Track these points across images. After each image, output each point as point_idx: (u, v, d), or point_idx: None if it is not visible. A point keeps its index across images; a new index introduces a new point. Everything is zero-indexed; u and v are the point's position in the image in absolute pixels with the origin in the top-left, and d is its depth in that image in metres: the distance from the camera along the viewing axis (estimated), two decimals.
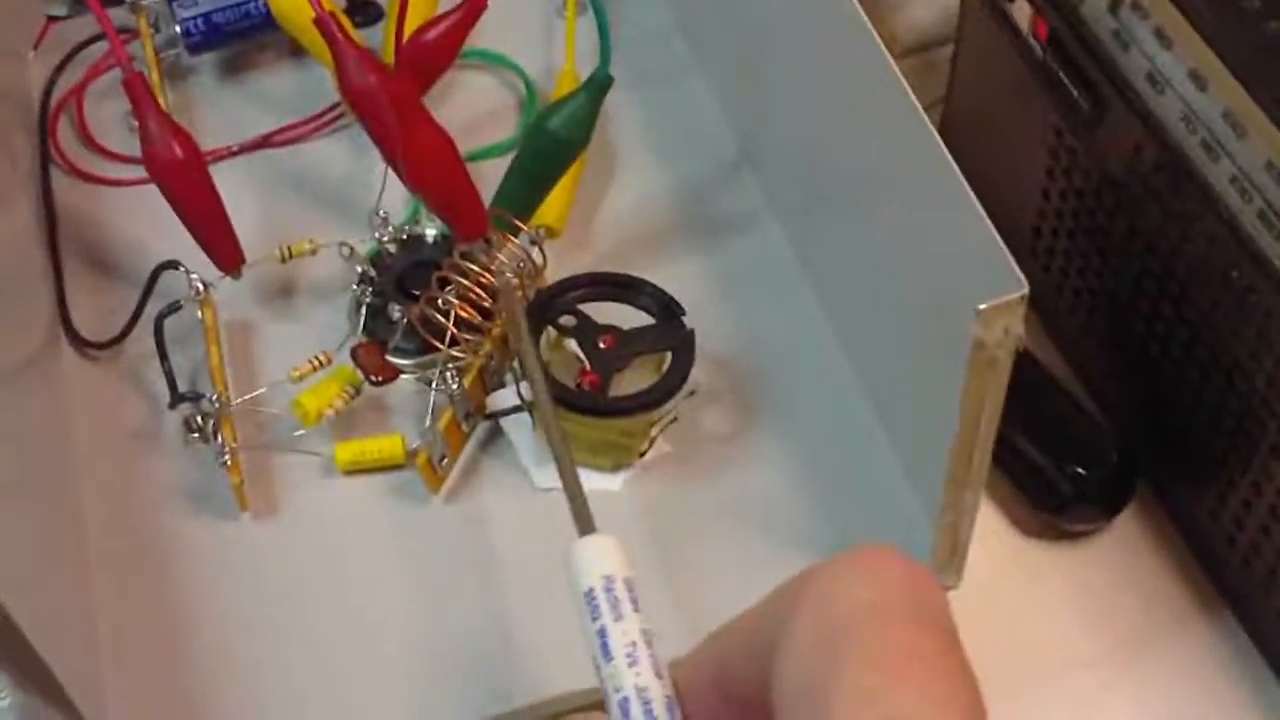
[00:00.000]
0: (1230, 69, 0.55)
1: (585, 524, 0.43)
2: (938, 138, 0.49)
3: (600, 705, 0.37)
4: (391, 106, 0.56)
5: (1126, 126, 0.60)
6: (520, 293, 0.59)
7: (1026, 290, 0.45)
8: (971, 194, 0.47)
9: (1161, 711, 0.63)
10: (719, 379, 0.60)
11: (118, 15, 0.70)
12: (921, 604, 0.34)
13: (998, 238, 0.46)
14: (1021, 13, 0.65)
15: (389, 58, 0.66)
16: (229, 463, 0.58)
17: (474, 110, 0.70)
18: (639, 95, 0.69)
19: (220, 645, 0.55)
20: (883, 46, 0.52)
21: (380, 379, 0.59)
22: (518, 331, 0.54)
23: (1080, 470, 0.66)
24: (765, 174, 0.66)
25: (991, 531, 0.67)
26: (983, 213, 0.47)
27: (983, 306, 0.45)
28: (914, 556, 0.53)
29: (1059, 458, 0.66)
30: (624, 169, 0.68)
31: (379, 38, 0.71)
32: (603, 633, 0.38)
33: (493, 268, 0.59)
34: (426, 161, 0.57)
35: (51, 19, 0.73)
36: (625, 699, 0.36)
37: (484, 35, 0.67)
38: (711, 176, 0.67)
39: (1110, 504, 0.66)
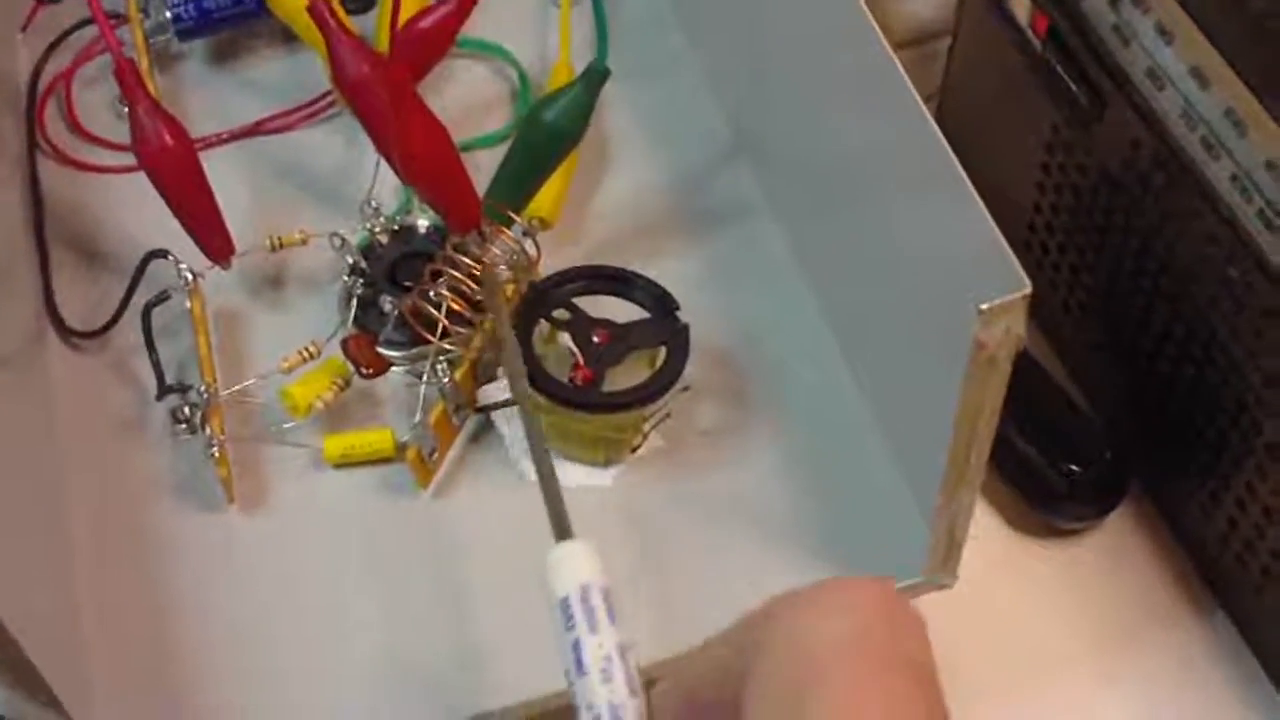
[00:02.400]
0: (1232, 66, 0.54)
1: (562, 529, 0.42)
2: (939, 133, 0.48)
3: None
4: (386, 96, 0.55)
5: (1125, 122, 0.60)
6: (512, 286, 0.58)
7: (1029, 290, 0.44)
8: (974, 191, 0.47)
9: (1153, 709, 0.63)
10: (713, 374, 0.60)
11: (108, 0, 0.69)
12: (896, 639, 0.34)
13: (1000, 236, 0.46)
14: (1020, 6, 0.65)
15: (383, 45, 0.66)
16: (217, 454, 0.57)
17: (467, 100, 0.69)
18: (634, 85, 0.68)
19: (207, 638, 0.55)
20: (883, 37, 0.51)
21: (371, 371, 0.58)
22: (503, 331, 0.54)
23: (1073, 467, 0.65)
24: (762, 166, 0.65)
25: (984, 528, 0.67)
26: (985, 210, 0.46)
27: (984, 306, 0.45)
28: (909, 555, 0.53)
29: (1052, 454, 0.66)
30: (619, 159, 0.67)
31: (372, 24, 0.70)
32: (577, 645, 0.37)
33: (485, 260, 0.58)
34: (421, 152, 0.56)
35: (40, 1, 0.72)
36: (598, 716, 0.35)
37: (478, 24, 0.67)
38: (707, 168, 0.66)
39: (1103, 501, 0.66)
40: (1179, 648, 0.64)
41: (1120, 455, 0.66)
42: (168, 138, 0.58)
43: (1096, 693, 0.63)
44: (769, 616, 0.35)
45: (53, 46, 0.71)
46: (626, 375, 0.57)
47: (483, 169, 0.62)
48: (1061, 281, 0.68)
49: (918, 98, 0.50)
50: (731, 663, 0.35)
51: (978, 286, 0.45)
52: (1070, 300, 0.68)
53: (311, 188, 0.66)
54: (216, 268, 0.60)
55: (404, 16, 0.61)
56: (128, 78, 0.57)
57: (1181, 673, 0.64)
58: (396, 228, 0.62)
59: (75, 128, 0.69)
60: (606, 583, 0.40)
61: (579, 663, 0.37)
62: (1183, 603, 0.65)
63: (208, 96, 0.70)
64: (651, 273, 0.59)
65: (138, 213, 0.64)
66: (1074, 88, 0.62)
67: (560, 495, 0.43)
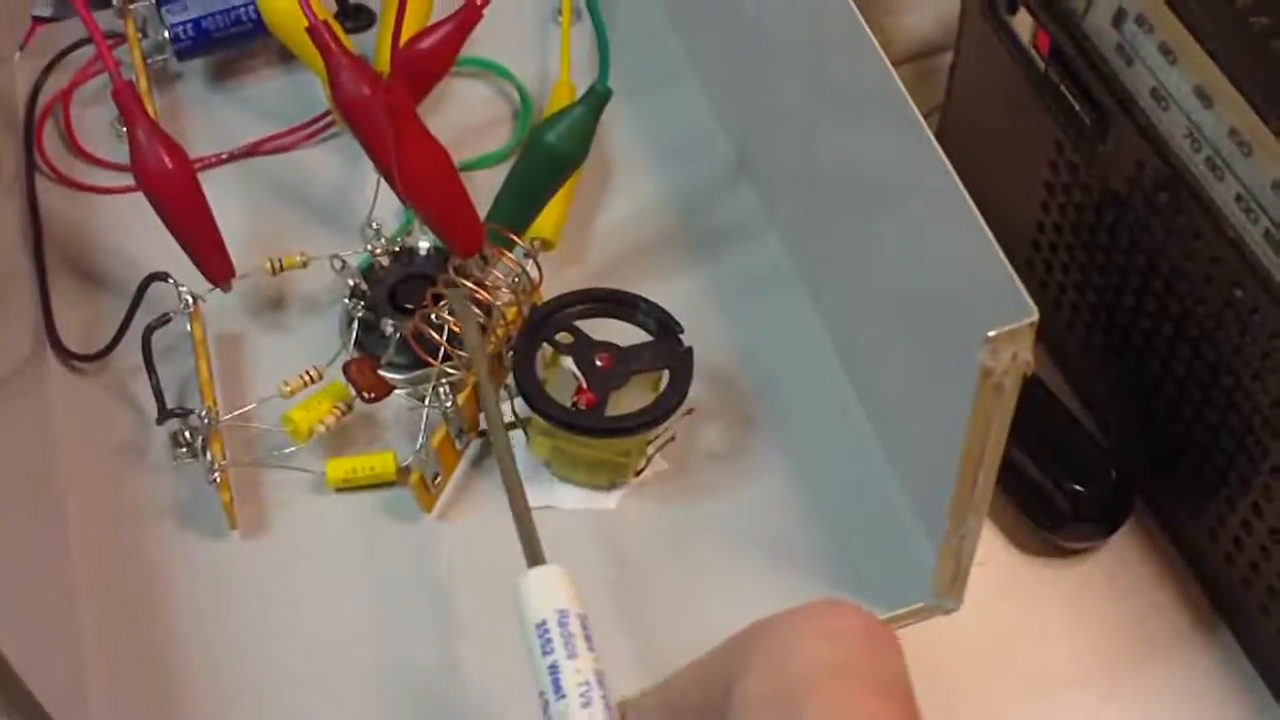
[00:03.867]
0: (1237, 86, 0.54)
1: (535, 554, 0.42)
2: (944, 157, 0.48)
3: None
4: (386, 119, 0.55)
5: (1129, 142, 0.60)
6: (514, 309, 0.58)
7: (1036, 317, 0.44)
8: (980, 217, 0.47)
9: None
10: (717, 396, 0.60)
11: (105, 19, 0.69)
12: (880, 666, 0.34)
13: (1006, 263, 0.45)
14: (1023, 24, 0.65)
15: (382, 65, 0.66)
16: (218, 480, 0.57)
17: (468, 119, 0.69)
18: (635, 103, 0.68)
19: (208, 664, 0.55)
20: (884, 55, 0.51)
21: (372, 396, 0.58)
22: (478, 363, 0.53)
23: (1078, 487, 0.65)
24: (764, 185, 0.65)
25: (989, 548, 0.67)
26: (991, 237, 0.46)
27: (991, 334, 0.44)
28: (914, 578, 0.53)
29: (1057, 475, 0.66)
30: (620, 179, 0.67)
31: (372, 43, 0.70)
32: (554, 668, 0.37)
33: (488, 283, 0.58)
34: (422, 176, 0.56)
35: (38, 20, 0.72)
36: None
37: (478, 43, 0.66)
38: (709, 187, 0.66)
39: (1108, 522, 0.66)
40: (1184, 668, 0.64)
41: (1125, 475, 0.66)
42: (167, 160, 0.57)
43: (1101, 713, 0.63)
44: (755, 636, 0.35)
45: (51, 66, 0.71)
46: (630, 398, 0.57)
47: (484, 189, 0.62)
48: (1066, 301, 0.68)
49: (921, 120, 0.49)
50: (715, 678, 0.35)
51: (984, 313, 0.45)
52: (1075, 320, 0.68)
53: (311, 209, 0.66)
54: (217, 290, 0.60)
55: (405, 36, 0.61)
56: (126, 99, 0.57)
57: (1187, 693, 0.63)
58: (397, 249, 0.62)
59: (74, 148, 0.69)
60: (584, 610, 0.40)
61: (557, 686, 0.37)
62: (1188, 623, 0.65)
63: (206, 116, 0.70)
64: (654, 293, 0.59)
65: (137, 234, 0.64)
66: (1077, 107, 0.62)
67: (531, 520, 0.43)
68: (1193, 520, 0.64)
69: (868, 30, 0.52)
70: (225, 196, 0.65)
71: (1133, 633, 0.65)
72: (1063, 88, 0.63)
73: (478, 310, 0.57)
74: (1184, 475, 0.64)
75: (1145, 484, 0.67)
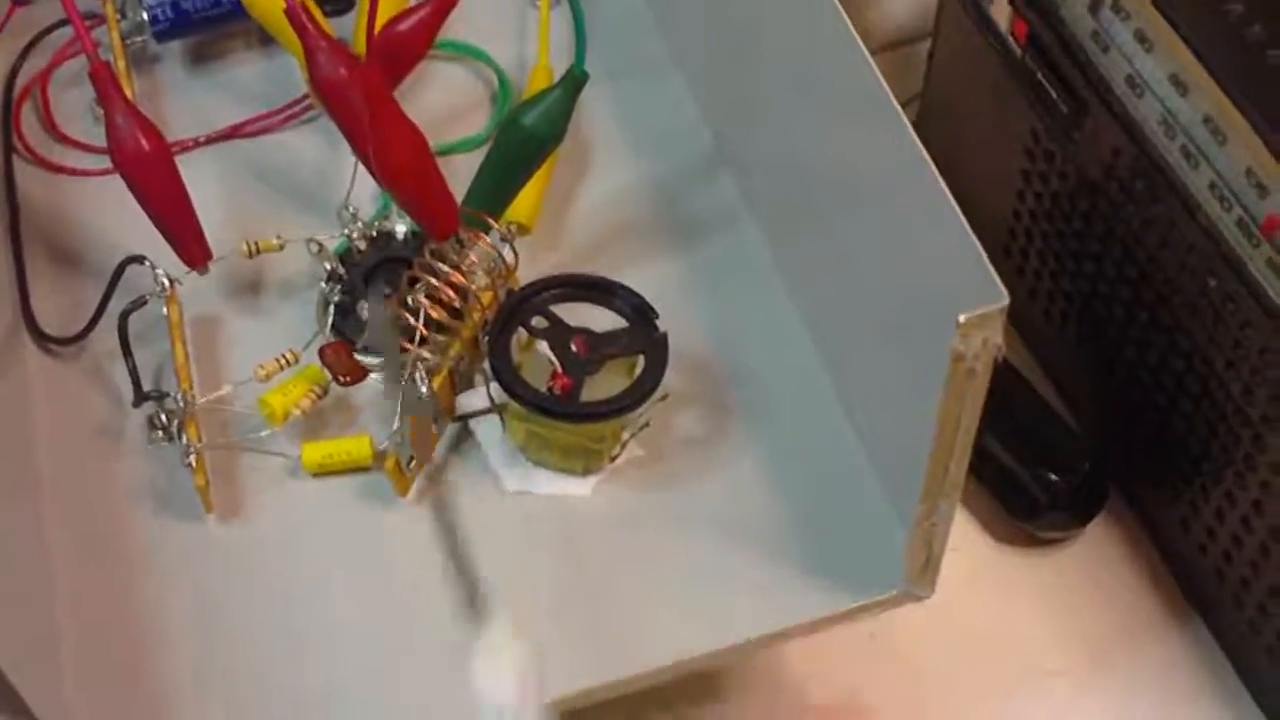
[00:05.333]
0: (1212, 74, 0.54)
1: (476, 604, 0.43)
2: (919, 143, 0.48)
3: None
4: (362, 101, 0.55)
5: (1105, 130, 0.60)
6: (490, 294, 0.58)
7: (1006, 302, 0.44)
8: (953, 202, 0.47)
9: (1132, 718, 0.63)
10: (692, 382, 0.59)
11: (84, 1, 0.69)
12: None
13: (979, 248, 0.45)
14: (1000, 12, 0.65)
15: (361, 48, 0.65)
16: (193, 463, 0.57)
17: (446, 103, 0.69)
18: (614, 89, 0.68)
19: (183, 647, 0.55)
20: (861, 43, 0.51)
21: (348, 379, 0.58)
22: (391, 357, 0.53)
23: (1053, 477, 0.66)
24: (742, 172, 0.65)
25: (964, 537, 0.67)
26: (964, 222, 0.46)
27: (962, 318, 0.44)
28: (888, 566, 0.53)
29: (1032, 464, 0.66)
30: (598, 164, 0.67)
31: (350, 26, 0.69)
32: None
33: (464, 267, 0.58)
34: (398, 160, 0.56)
35: (16, 2, 0.72)
36: None
37: (457, 26, 0.66)
38: (688, 173, 0.66)
39: (1082, 511, 0.66)
40: (1158, 657, 0.64)
41: (1099, 465, 0.66)
42: (144, 142, 0.57)
43: (1075, 701, 0.63)
44: None
45: (29, 48, 0.71)
46: (605, 383, 0.57)
47: (461, 172, 0.62)
48: (1042, 290, 0.68)
49: (897, 107, 0.49)
50: None
51: (956, 298, 0.45)
52: (1051, 308, 0.68)
53: (289, 192, 0.66)
54: (193, 273, 0.60)
55: (381, 19, 0.61)
56: (103, 81, 0.57)
57: (1160, 682, 0.64)
58: (374, 233, 0.62)
59: (52, 130, 0.69)
60: (542, 693, 0.40)
61: None
62: (1162, 612, 0.65)
63: (185, 98, 0.70)
64: (630, 279, 0.59)
65: (115, 216, 0.63)
66: (1054, 94, 0.62)
67: (474, 569, 0.44)
68: (1166, 511, 0.64)
69: (846, 19, 0.52)
70: (203, 179, 0.65)
71: (1107, 622, 0.65)
72: (1039, 75, 0.63)
73: (453, 294, 0.57)
74: (1158, 465, 0.64)
75: (1120, 474, 0.67)
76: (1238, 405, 0.57)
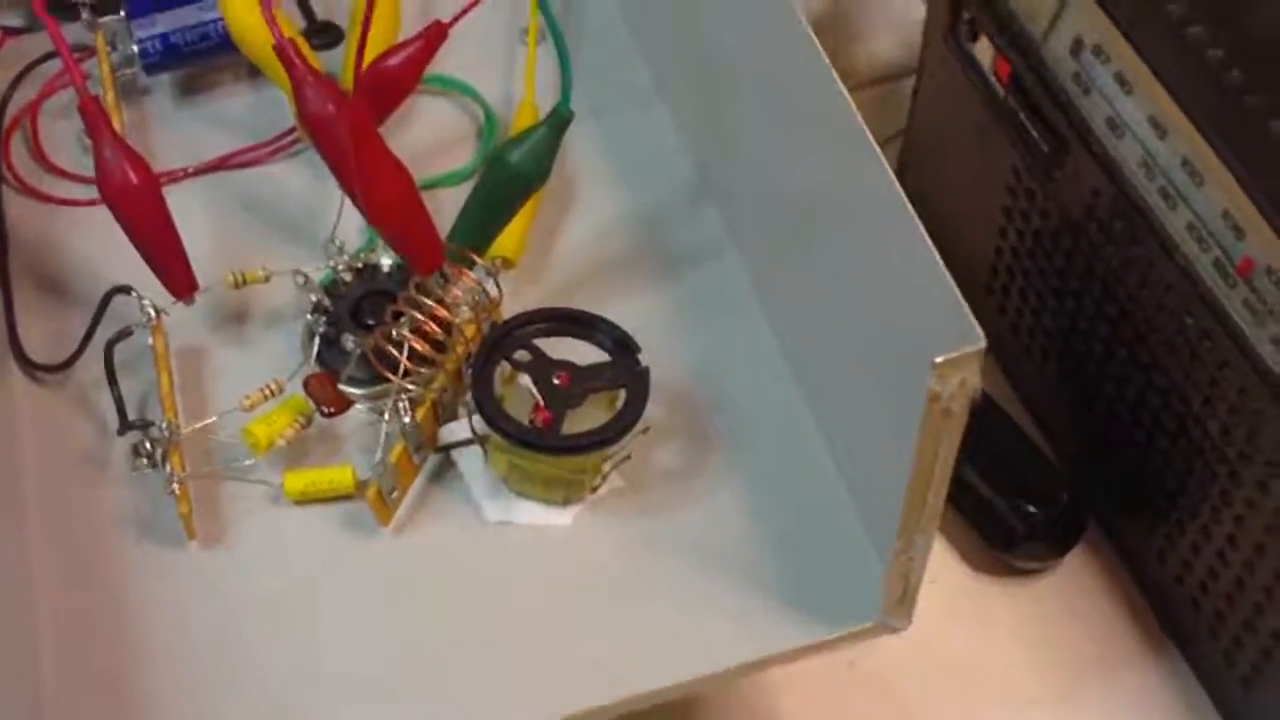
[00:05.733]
0: (1190, 117, 0.55)
1: None
2: (895, 180, 0.49)
3: None
4: (348, 137, 0.56)
5: (1085, 170, 0.61)
6: (474, 327, 0.59)
7: (984, 345, 0.45)
8: (929, 243, 0.47)
9: None
10: (673, 414, 0.60)
11: (74, 31, 0.69)
12: None
13: (956, 290, 0.46)
14: (984, 51, 0.66)
15: (349, 82, 0.66)
16: (177, 491, 0.57)
17: (432, 136, 0.69)
18: (599, 124, 0.68)
19: (164, 673, 0.55)
20: (838, 80, 0.51)
21: (332, 410, 0.58)
22: None
23: (1031, 508, 0.66)
24: (726, 206, 0.65)
25: (943, 568, 0.68)
26: (940, 263, 0.46)
27: (939, 360, 0.45)
28: (865, 598, 0.54)
29: (1010, 495, 0.66)
30: (583, 198, 0.67)
31: (339, 60, 0.70)
32: None
33: (448, 301, 0.58)
34: (383, 196, 0.56)
35: (8, 32, 0.72)
36: None
37: (445, 61, 0.67)
38: (672, 207, 0.67)
39: (1060, 543, 0.67)
40: (1134, 687, 0.65)
41: (1078, 497, 0.67)
42: (131, 174, 0.58)
43: None
44: None
45: (19, 78, 0.71)
46: (587, 416, 0.57)
47: (447, 206, 0.63)
48: (1023, 326, 0.69)
49: (875, 145, 0.50)
50: None
51: (933, 338, 0.45)
52: (1032, 344, 0.69)
53: (277, 224, 0.66)
54: (180, 304, 0.60)
55: (370, 54, 0.61)
56: (92, 115, 0.57)
57: (1137, 711, 0.64)
58: (360, 265, 0.63)
59: (41, 160, 0.69)
60: None
61: None
62: (1139, 644, 0.66)
63: (174, 130, 0.70)
64: (614, 312, 0.60)
65: (103, 246, 0.64)
66: (1035, 134, 0.63)
67: None
68: (1143, 543, 0.65)
69: (823, 54, 0.52)
70: (191, 210, 0.65)
71: (1083, 652, 0.66)
72: (1022, 115, 0.64)
73: (437, 327, 0.58)
74: (1136, 498, 0.65)
75: (1098, 506, 0.68)
76: (1214, 442, 0.58)
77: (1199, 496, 0.60)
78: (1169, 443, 0.61)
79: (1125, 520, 0.67)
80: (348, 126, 0.56)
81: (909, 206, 0.48)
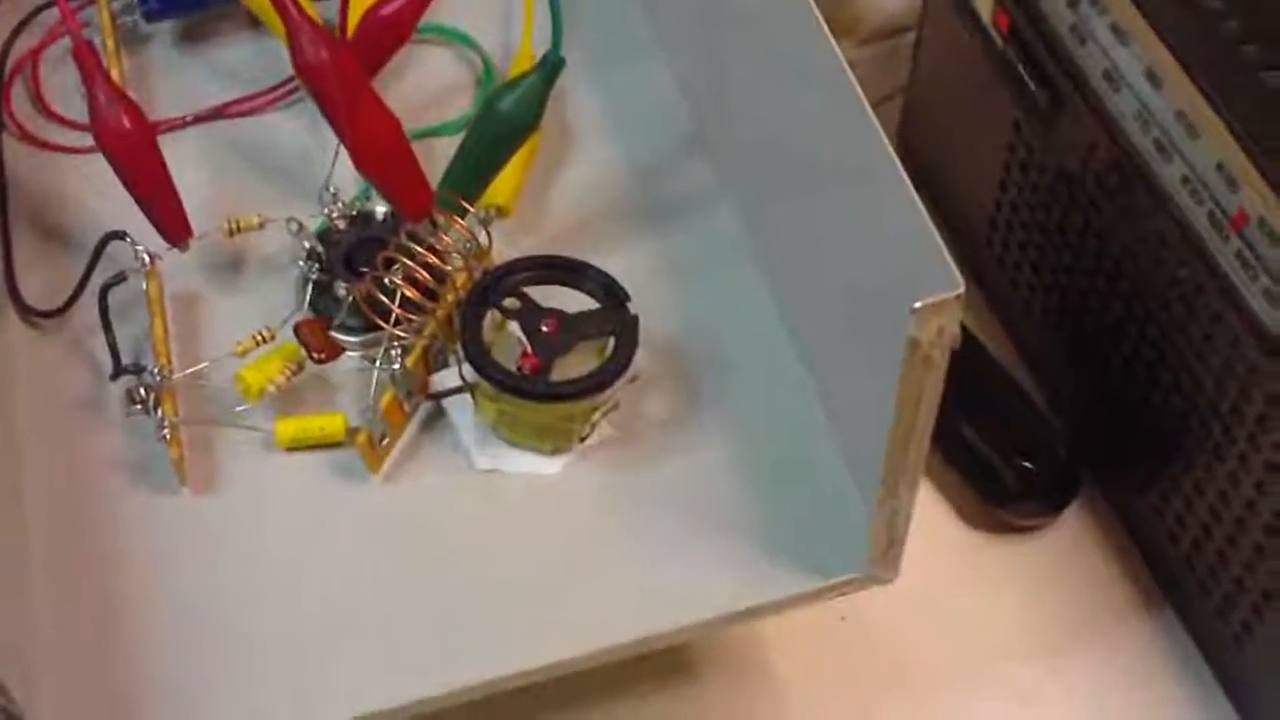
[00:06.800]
0: (1184, 68, 0.55)
1: None
2: (879, 129, 0.48)
3: None
4: (338, 85, 0.56)
5: (1082, 122, 0.60)
6: (464, 274, 0.59)
7: (961, 290, 0.45)
8: (911, 188, 0.47)
9: (1102, 706, 0.64)
10: (663, 364, 0.60)
11: None
12: None
13: (936, 234, 0.45)
14: (983, 4, 0.65)
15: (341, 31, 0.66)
16: (169, 436, 0.57)
17: (429, 86, 0.69)
18: (598, 74, 0.68)
19: (157, 617, 0.55)
20: (827, 30, 0.51)
21: (323, 356, 0.59)
22: None
23: (1027, 464, 0.66)
24: (719, 158, 0.65)
25: (937, 523, 0.68)
26: (921, 208, 0.46)
27: (917, 305, 0.45)
28: (852, 549, 0.54)
29: (1006, 451, 0.66)
30: (579, 148, 0.67)
31: (336, 9, 0.70)
32: None
33: (439, 248, 0.58)
34: (370, 141, 0.56)
35: None
36: None
37: (441, 10, 0.67)
38: (666, 158, 0.67)
39: (1056, 499, 0.67)
40: (1128, 643, 0.65)
41: (1074, 453, 0.66)
42: (125, 121, 0.58)
43: (1045, 688, 0.64)
44: None
45: (20, 26, 0.71)
46: (576, 365, 0.57)
47: (444, 156, 0.63)
48: (1022, 279, 0.68)
49: (859, 92, 0.50)
50: None
51: (913, 285, 0.45)
52: (1030, 298, 0.68)
53: (273, 172, 0.66)
54: (175, 250, 0.61)
55: (366, 2, 0.61)
56: (86, 61, 0.58)
57: (1131, 670, 0.64)
58: (354, 214, 0.63)
59: (41, 107, 0.69)
60: None
61: None
62: (1133, 601, 0.66)
63: (173, 79, 0.70)
64: (607, 262, 0.59)
65: (101, 193, 0.64)
66: (1033, 86, 0.63)
67: None
68: (1139, 499, 0.65)
69: (814, 7, 0.52)
70: (190, 158, 0.65)
71: (1079, 608, 0.66)
72: (1020, 67, 0.63)
73: (428, 275, 0.58)
74: (1131, 454, 0.65)
75: (1094, 462, 0.67)
76: (1208, 396, 0.58)
77: (1193, 452, 0.59)
78: (1163, 397, 0.60)
79: (1121, 477, 0.66)
80: (337, 74, 0.56)
81: (892, 153, 0.48)
